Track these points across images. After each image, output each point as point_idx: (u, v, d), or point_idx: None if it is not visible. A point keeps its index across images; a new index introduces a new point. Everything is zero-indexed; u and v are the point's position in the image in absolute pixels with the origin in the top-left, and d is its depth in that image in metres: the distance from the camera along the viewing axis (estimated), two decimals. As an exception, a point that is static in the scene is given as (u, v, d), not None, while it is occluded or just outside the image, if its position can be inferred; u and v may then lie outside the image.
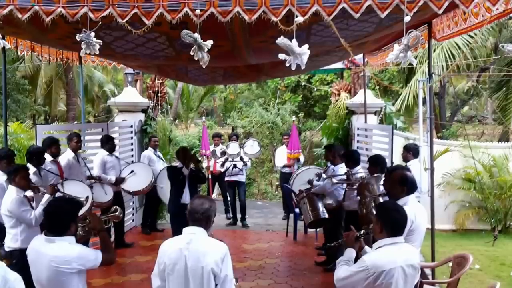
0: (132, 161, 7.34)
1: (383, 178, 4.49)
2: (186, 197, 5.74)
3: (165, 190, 6.81)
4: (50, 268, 2.75)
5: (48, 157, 5.47)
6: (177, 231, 5.82)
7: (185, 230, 2.76)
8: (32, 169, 5.00)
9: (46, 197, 4.34)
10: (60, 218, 2.85)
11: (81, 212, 5.08)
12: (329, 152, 6.17)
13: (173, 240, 2.79)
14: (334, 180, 5.35)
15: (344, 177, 5.46)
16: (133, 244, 6.95)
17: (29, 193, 4.34)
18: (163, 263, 2.70)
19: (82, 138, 6.32)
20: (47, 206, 3.12)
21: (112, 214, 4.30)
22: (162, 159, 7.62)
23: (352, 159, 5.56)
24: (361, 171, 5.47)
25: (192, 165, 5.84)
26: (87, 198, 4.49)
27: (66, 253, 2.79)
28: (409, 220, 3.26)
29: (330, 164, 6.06)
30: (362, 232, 3.06)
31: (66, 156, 5.86)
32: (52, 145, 5.51)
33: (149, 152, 7.52)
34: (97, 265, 2.96)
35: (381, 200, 3.92)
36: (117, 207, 4.43)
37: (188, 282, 2.64)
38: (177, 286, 2.67)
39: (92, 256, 2.92)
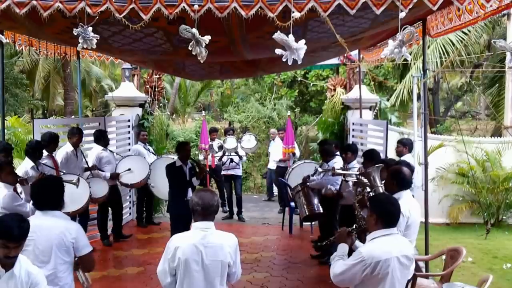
0: (128, 155, 7.34)
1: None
2: (189, 194, 5.60)
3: (157, 188, 6.82)
4: (58, 236, 2.90)
5: (44, 151, 5.48)
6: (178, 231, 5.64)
7: (197, 225, 2.78)
8: (29, 163, 5.00)
9: None
10: (50, 193, 3.02)
11: (82, 204, 5.12)
12: (321, 152, 6.28)
13: (184, 236, 2.80)
14: (339, 171, 5.35)
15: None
16: (131, 235, 6.97)
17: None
18: (177, 259, 2.70)
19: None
20: (35, 185, 3.19)
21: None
22: (152, 153, 7.61)
23: (351, 150, 5.67)
24: (356, 165, 5.53)
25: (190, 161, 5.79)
26: (78, 179, 4.63)
27: (68, 224, 3.03)
28: (405, 216, 3.33)
29: (323, 161, 6.14)
30: (354, 227, 3.10)
31: (65, 149, 5.86)
32: (51, 141, 5.51)
33: (138, 146, 7.52)
34: (84, 253, 3.02)
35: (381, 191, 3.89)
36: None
37: (206, 276, 2.72)
38: (192, 281, 2.71)
39: (86, 240, 3.09)
